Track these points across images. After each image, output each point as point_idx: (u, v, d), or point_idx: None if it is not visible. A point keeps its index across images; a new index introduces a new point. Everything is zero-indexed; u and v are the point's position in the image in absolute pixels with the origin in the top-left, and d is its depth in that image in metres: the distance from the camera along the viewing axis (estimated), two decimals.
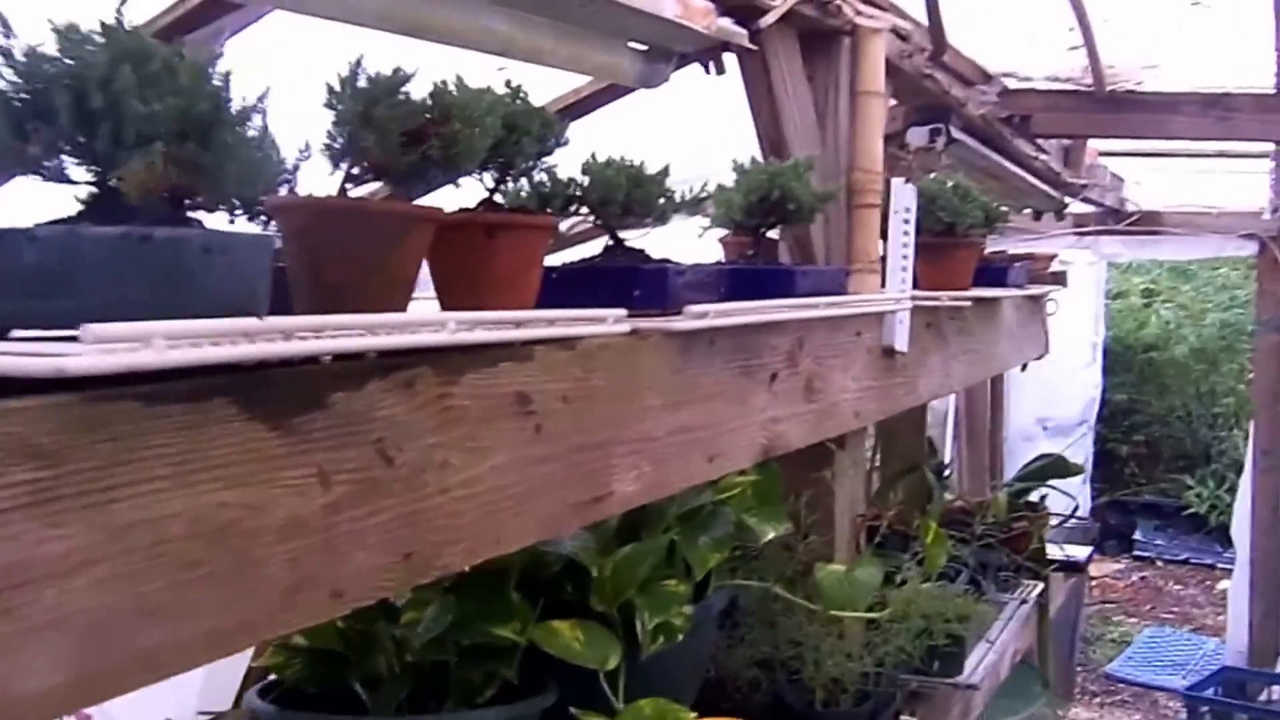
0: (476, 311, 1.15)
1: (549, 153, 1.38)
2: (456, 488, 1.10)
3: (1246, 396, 7.86)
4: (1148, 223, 6.23)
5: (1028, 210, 4.89)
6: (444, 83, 1.13)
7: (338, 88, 1.07)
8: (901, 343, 2.24)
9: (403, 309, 1.11)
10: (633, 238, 1.64)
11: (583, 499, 1.31)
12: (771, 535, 1.78)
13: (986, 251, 3.77)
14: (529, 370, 1.20)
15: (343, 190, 1.10)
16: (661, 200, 1.58)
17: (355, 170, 1.09)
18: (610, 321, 1.36)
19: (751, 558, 2.08)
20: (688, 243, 1.94)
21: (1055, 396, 7.09)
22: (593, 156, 1.55)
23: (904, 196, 2.24)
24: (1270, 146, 4.48)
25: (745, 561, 2.07)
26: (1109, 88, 3.30)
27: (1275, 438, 5.55)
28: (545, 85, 2.64)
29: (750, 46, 1.78)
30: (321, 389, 0.95)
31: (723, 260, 1.99)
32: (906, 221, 2.26)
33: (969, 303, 2.43)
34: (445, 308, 1.32)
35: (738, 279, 1.72)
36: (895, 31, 2.47)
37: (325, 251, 1.05)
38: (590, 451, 1.32)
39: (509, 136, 1.30)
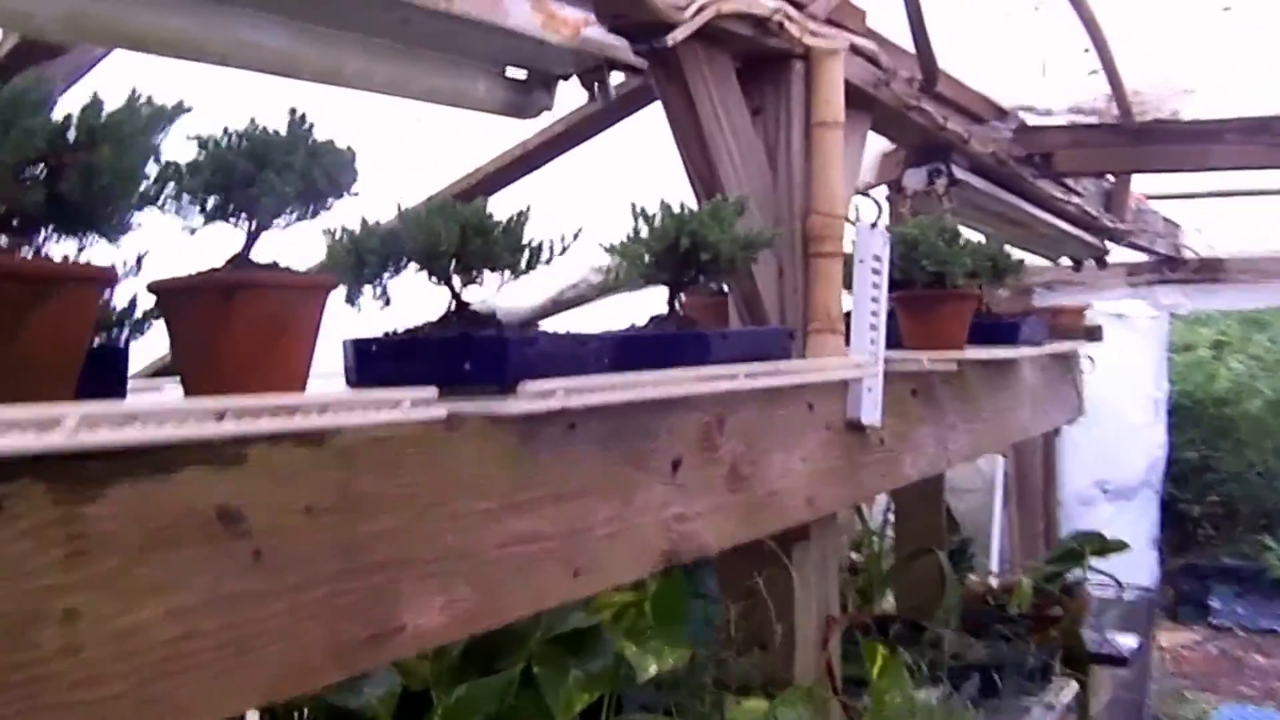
0: (151, 400, 0.85)
1: (328, 194, 1.09)
2: (96, 644, 0.79)
3: None
4: (1210, 271, 5.80)
5: (1067, 260, 4.51)
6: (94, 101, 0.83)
7: None
8: (870, 415, 1.90)
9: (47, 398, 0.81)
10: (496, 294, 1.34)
11: (350, 641, 1.00)
12: (654, 670, 1.44)
13: (1025, 304, 3.43)
14: (236, 477, 0.89)
15: None
16: (512, 252, 1.28)
17: None
18: (405, 406, 1.06)
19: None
20: None
21: (1115, 457, 6.60)
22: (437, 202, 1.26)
23: (871, 243, 1.92)
24: None
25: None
26: (1138, 117, 2.94)
27: None
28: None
29: (637, 64, 1.48)
30: None
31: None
32: (876, 272, 1.93)
33: (953, 366, 2.09)
34: (187, 393, 1.02)
35: (629, 347, 1.41)
36: (866, 56, 2.15)
37: None
38: (360, 577, 1.01)
39: (256, 172, 1.01)
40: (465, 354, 1.19)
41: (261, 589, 0.91)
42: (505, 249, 1.27)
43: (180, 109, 0.86)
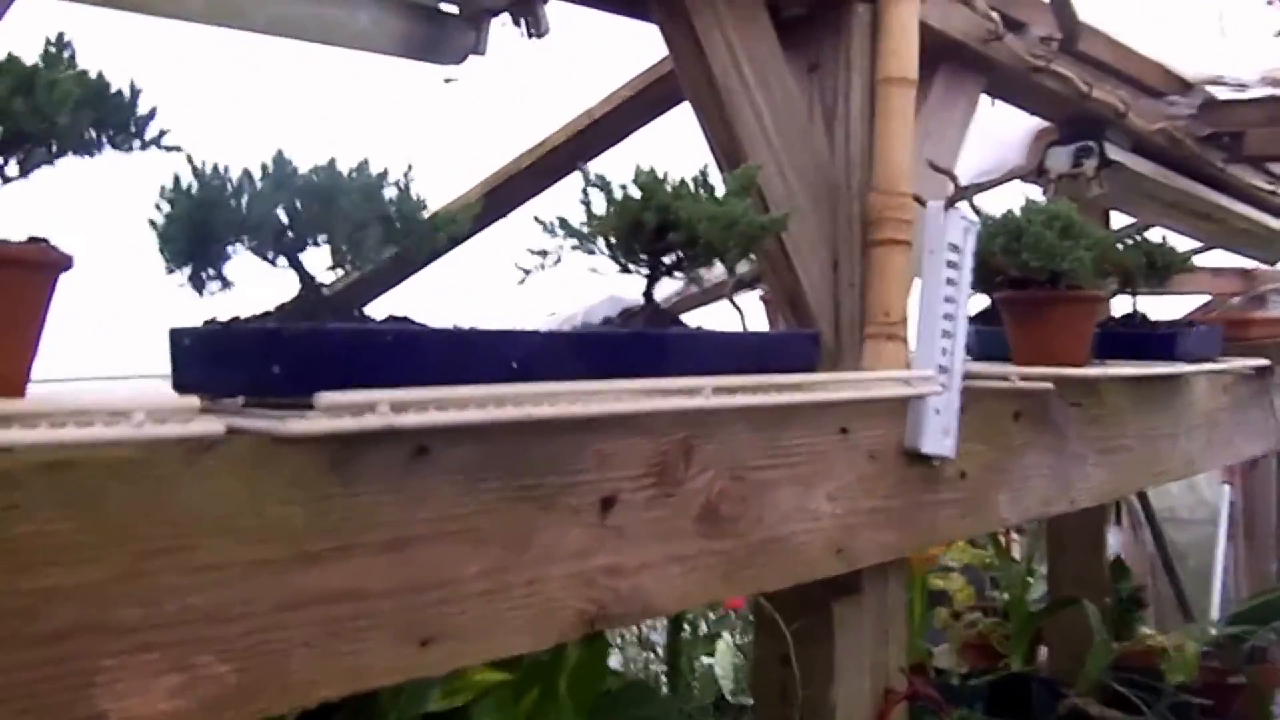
0: None
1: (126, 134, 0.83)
2: None
3: None
4: None
5: None
6: None
7: None
8: (937, 444, 1.52)
9: None
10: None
11: None
12: None
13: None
14: None
15: None
16: (372, 225, 1.00)
17: None
18: (138, 419, 0.78)
19: None
20: None
21: None
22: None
23: (946, 229, 1.53)
24: None
25: None
26: None
27: None
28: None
29: None
30: None
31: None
32: (953, 265, 1.54)
33: (1048, 385, 1.66)
34: None
35: (546, 349, 1.11)
36: (969, 4, 1.76)
37: None
38: (33, 650, 0.74)
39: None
40: (268, 353, 0.91)
41: None
42: (358, 221, 0.99)
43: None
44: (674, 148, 1.83)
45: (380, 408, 0.89)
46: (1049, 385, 1.62)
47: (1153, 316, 2.31)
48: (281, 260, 1.01)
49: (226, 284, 1.03)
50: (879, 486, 1.48)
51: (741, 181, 1.29)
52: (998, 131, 2.56)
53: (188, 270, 1.00)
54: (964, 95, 1.83)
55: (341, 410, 0.88)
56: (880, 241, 1.54)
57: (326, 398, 0.86)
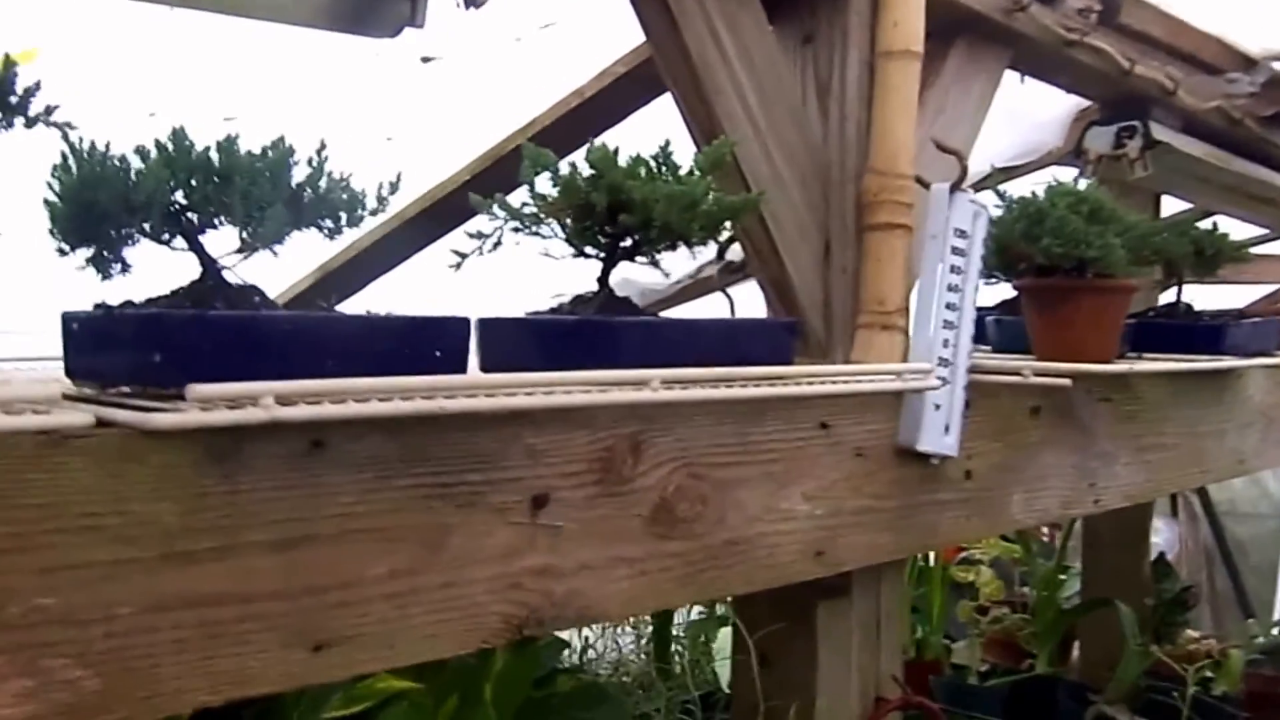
0: None
1: None
2: None
3: None
4: None
5: None
6: None
7: None
8: (935, 441, 1.43)
9: None
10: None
11: None
12: None
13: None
14: None
15: None
16: (270, 203, 0.94)
17: None
18: None
19: None
20: None
21: None
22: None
23: (951, 213, 1.44)
24: None
25: None
26: None
27: None
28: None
29: None
30: None
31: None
32: (958, 252, 1.45)
33: (1066, 382, 1.54)
34: None
35: (487, 337, 1.05)
36: None
37: None
38: None
39: None
40: (149, 341, 0.86)
41: None
42: (253, 198, 0.93)
43: None
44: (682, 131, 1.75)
45: (264, 400, 0.83)
46: (1066, 381, 1.51)
47: (1217, 307, 2.18)
48: (180, 242, 0.96)
49: (126, 268, 0.98)
50: (868, 486, 1.39)
51: (712, 159, 1.21)
52: (1034, 112, 2.43)
53: (87, 252, 0.95)
54: (984, 71, 1.72)
55: (217, 403, 0.82)
56: (876, 226, 1.45)
57: (198, 389, 0.81)
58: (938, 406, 1.43)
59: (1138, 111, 2.12)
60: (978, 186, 1.41)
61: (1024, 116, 2.58)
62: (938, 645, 2.60)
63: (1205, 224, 2.10)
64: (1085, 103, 2.32)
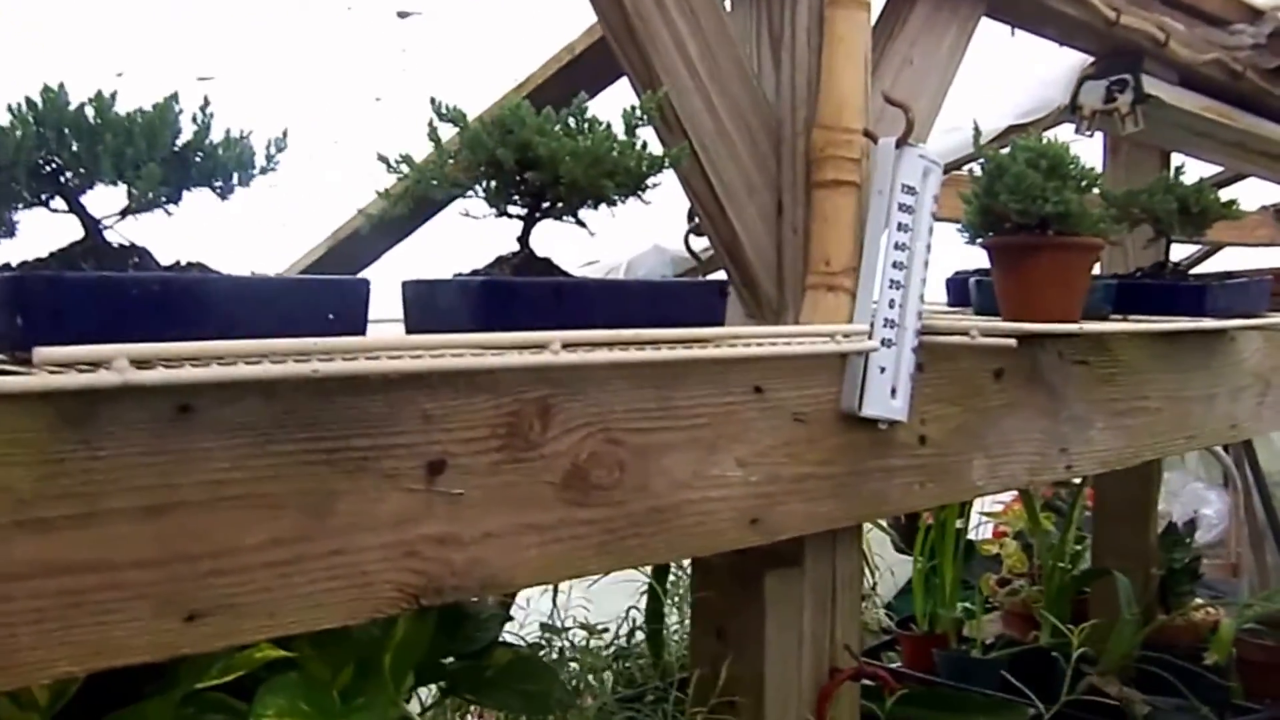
0: None
1: None
2: None
3: None
4: None
5: None
6: None
7: None
8: (881, 405, 1.38)
9: None
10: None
11: None
12: None
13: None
14: None
15: None
16: (147, 161, 0.91)
17: None
18: None
19: None
20: None
21: None
22: None
23: (899, 168, 1.39)
24: None
25: None
26: None
27: None
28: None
29: None
30: None
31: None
32: (905, 209, 1.40)
33: (1011, 342, 1.49)
34: None
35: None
36: None
37: None
38: None
39: None
40: (12, 303, 0.84)
41: None
42: (128, 157, 0.90)
43: None
44: None
45: (117, 363, 0.81)
46: (1011, 342, 1.46)
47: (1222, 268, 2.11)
48: (60, 203, 0.94)
49: (11, 230, 0.96)
50: (809, 452, 1.35)
51: (644, 110, 1.17)
52: (1040, 69, 2.36)
53: None
54: (956, 20, 1.66)
55: (67, 365, 0.80)
56: (823, 183, 1.40)
57: (44, 353, 0.79)
58: (883, 369, 1.39)
59: (1131, 65, 2.04)
60: (902, 137, 1.36)
61: (1030, 73, 2.51)
62: (948, 619, 2.55)
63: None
64: (1091, 58, 2.24)
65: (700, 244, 1.55)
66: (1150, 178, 2.37)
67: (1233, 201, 1.98)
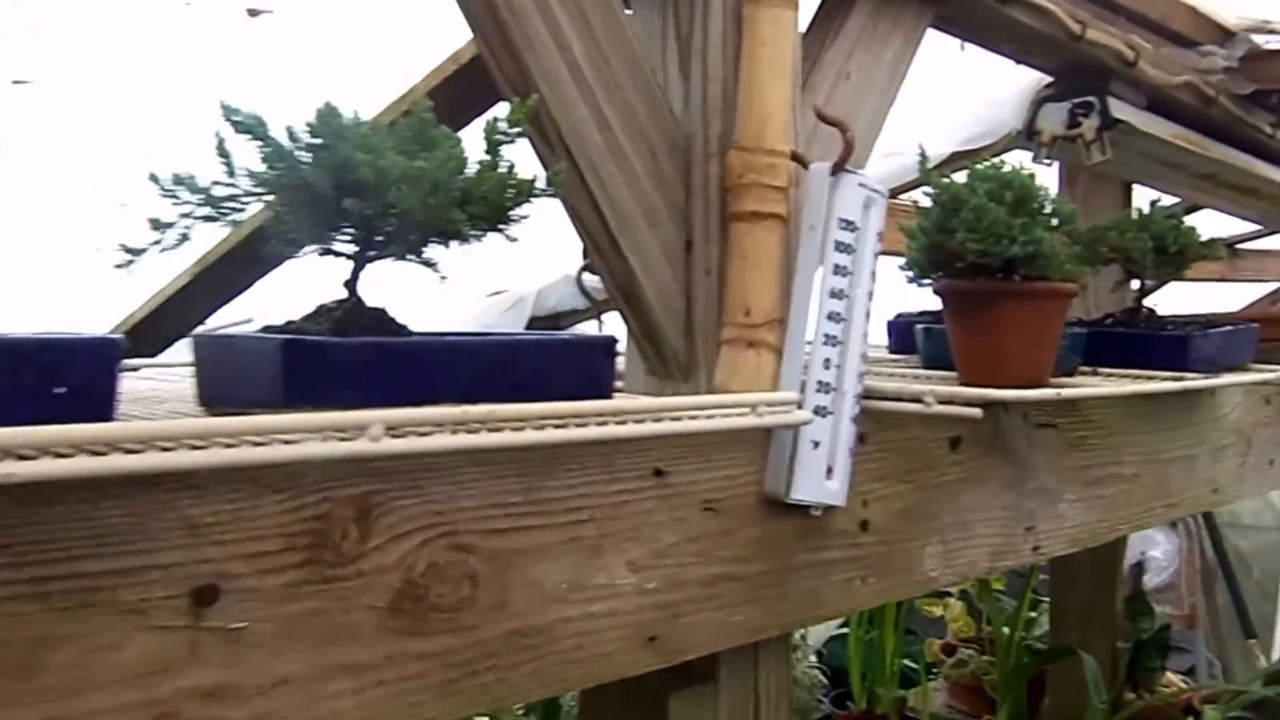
0: None
1: None
2: None
3: None
4: None
5: None
6: None
7: None
8: (815, 488, 1.13)
9: None
10: None
11: None
12: None
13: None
14: None
15: None
16: None
17: None
18: None
19: None
20: None
21: None
22: None
23: (835, 199, 1.14)
24: None
25: None
26: None
27: None
28: None
29: None
30: None
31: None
32: (843, 248, 1.15)
33: (976, 413, 1.24)
34: None
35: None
36: None
37: None
38: None
39: None
40: None
41: None
42: None
43: None
44: None
45: None
46: (976, 412, 1.21)
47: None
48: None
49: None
50: (722, 548, 1.09)
51: (494, 129, 0.92)
52: (991, 89, 2.14)
53: None
54: (900, 28, 1.42)
55: None
56: (742, 215, 1.15)
57: None
58: (816, 444, 1.13)
59: (1096, 86, 1.82)
60: (839, 163, 1.12)
61: (979, 93, 2.29)
62: (888, 699, 2.30)
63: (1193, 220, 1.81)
64: (1048, 78, 2.02)
65: (596, 281, 1.30)
66: (1111, 212, 2.16)
67: (1214, 240, 1.76)
